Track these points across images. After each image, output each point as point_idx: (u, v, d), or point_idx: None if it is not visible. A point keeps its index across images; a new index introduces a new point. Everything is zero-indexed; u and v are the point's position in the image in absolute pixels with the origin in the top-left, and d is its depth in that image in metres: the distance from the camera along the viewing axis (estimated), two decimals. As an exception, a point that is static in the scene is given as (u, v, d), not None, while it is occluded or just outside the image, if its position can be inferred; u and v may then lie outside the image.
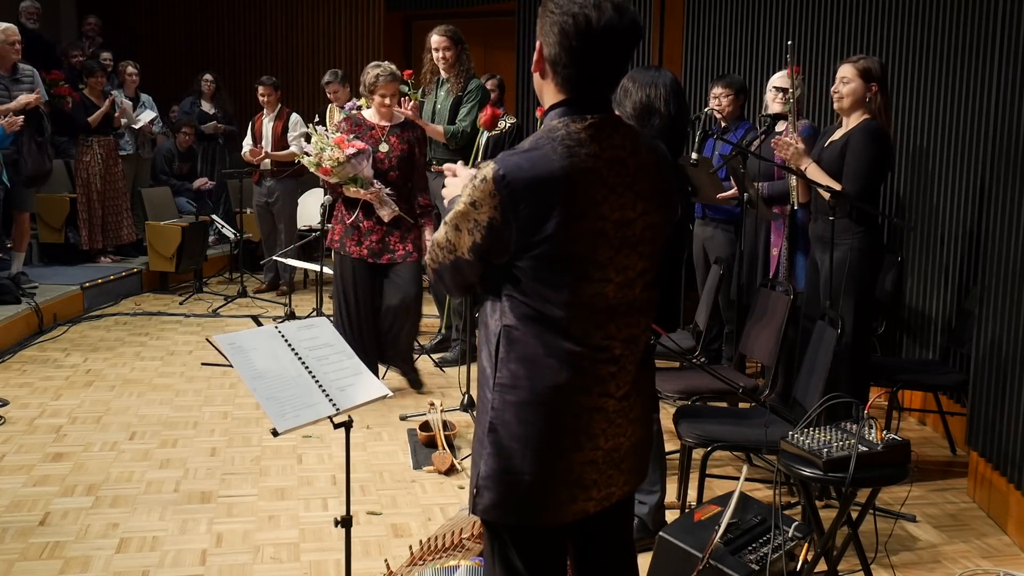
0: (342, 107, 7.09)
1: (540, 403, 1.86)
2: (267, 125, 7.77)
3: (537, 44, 1.89)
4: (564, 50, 1.82)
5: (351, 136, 4.99)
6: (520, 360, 1.86)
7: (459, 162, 2.22)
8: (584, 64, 1.83)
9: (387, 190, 4.96)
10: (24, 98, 6.41)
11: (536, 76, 1.92)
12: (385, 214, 4.95)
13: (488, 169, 1.80)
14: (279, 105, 7.80)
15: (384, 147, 4.99)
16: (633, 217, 1.87)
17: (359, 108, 6.43)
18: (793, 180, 4.35)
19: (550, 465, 1.88)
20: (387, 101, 5.01)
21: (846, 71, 4.02)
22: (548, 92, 1.90)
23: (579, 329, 1.85)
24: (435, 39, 5.72)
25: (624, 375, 1.92)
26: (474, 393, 4.82)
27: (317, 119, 7.54)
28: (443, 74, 5.79)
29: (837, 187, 3.86)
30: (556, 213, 1.78)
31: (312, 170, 5.08)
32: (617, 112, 3.41)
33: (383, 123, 5.07)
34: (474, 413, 4.81)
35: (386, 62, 5.12)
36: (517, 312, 1.86)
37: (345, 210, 5.07)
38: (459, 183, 2.06)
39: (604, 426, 1.91)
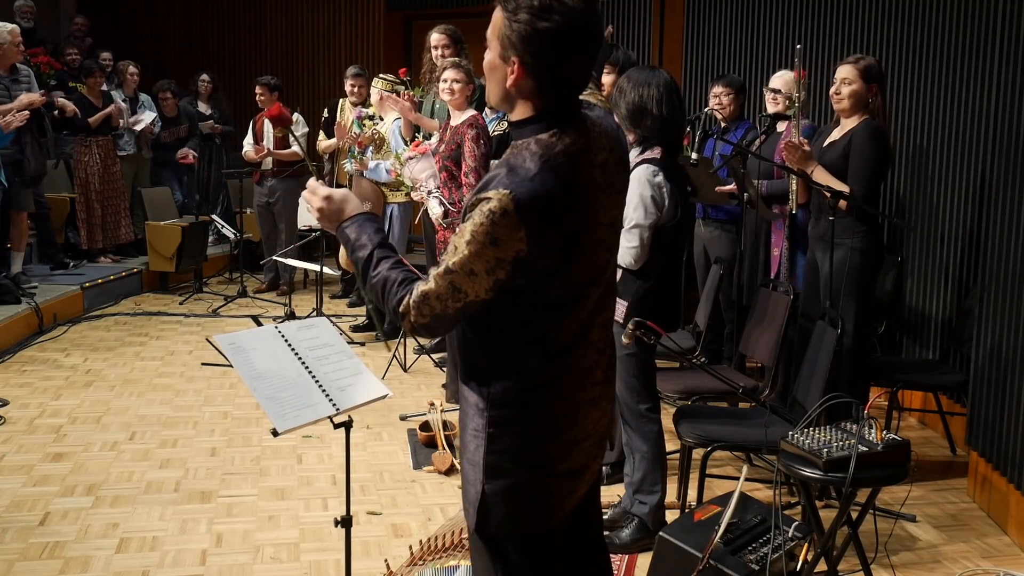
0: (355, 104, 7.05)
1: (539, 412, 1.84)
2: (268, 125, 7.77)
3: (513, 61, 1.75)
4: (542, 59, 1.73)
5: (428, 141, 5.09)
6: (515, 373, 1.83)
7: (311, 179, 2.09)
8: (566, 70, 1.76)
9: (435, 192, 4.96)
10: (27, 97, 6.40)
11: (509, 90, 1.79)
12: (432, 215, 5.00)
13: (505, 201, 1.66)
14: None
15: (443, 147, 5.00)
16: (616, 215, 1.90)
17: (371, 117, 6.48)
18: (794, 184, 4.34)
19: (556, 468, 1.88)
20: (447, 85, 4.95)
21: (847, 72, 3.98)
22: (523, 105, 1.80)
23: (572, 333, 1.85)
24: (435, 37, 5.74)
25: (603, 359, 1.94)
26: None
27: (327, 112, 7.57)
28: (442, 73, 5.79)
29: (845, 189, 3.85)
30: (572, 231, 1.76)
31: (404, 181, 5.22)
32: (614, 113, 3.43)
33: (452, 123, 5.05)
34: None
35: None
36: (510, 328, 1.81)
37: None
38: (336, 201, 1.95)
39: (595, 413, 1.93)
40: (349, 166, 6.44)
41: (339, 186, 6.95)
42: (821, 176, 3.95)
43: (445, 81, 4.98)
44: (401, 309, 1.80)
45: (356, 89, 7.07)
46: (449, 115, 5.06)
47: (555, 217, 1.71)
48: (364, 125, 6.43)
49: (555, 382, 1.85)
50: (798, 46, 4.27)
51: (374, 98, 6.25)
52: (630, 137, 3.37)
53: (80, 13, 9.97)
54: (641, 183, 3.25)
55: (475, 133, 4.82)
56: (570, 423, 1.88)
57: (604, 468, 2.11)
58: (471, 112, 4.95)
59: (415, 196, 5.20)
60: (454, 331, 1.89)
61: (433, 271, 1.77)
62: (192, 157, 8.85)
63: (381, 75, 6.35)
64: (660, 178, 3.28)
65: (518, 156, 1.75)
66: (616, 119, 3.30)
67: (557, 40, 1.72)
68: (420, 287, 1.78)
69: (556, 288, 1.79)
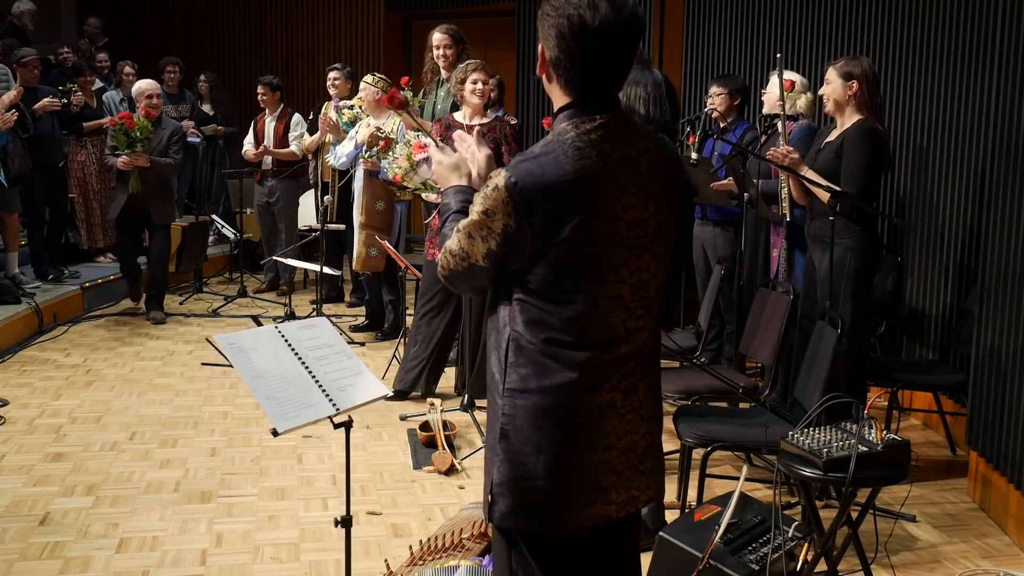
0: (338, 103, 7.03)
1: (550, 406, 1.85)
2: (269, 125, 7.76)
3: (539, 48, 1.89)
4: (563, 52, 1.82)
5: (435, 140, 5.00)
6: (529, 364, 1.86)
7: (431, 144, 2.23)
8: (585, 64, 1.82)
9: None
10: (7, 96, 6.38)
11: (544, 80, 1.93)
12: None
13: (500, 177, 1.79)
14: (280, 105, 7.79)
15: None
16: (646, 217, 1.87)
17: (351, 107, 6.46)
18: (784, 191, 4.36)
19: (564, 468, 1.87)
20: (477, 87, 4.84)
21: (828, 73, 4.09)
22: (555, 95, 1.90)
23: (589, 331, 1.84)
24: (436, 36, 5.72)
25: (626, 369, 1.90)
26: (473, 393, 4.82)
27: (312, 115, 7.54)
28: (443, 73, 5.78)
29: (835, 188, 3.86)
30: (572, 216, 1.78)
31: (408, 185, 5.11)
32: None
33: (472, 123, 4.92)
34: (473, 413, 4.82)
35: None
36: (526, 316, 1.85)
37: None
38: (444, 167, 2.08)
39: (615, 423, 1.89)
40: (332, 160, 6.46)
41: (323, 182, 6.99)
42: (812, 178, 3.96)
43: (474, 83, 4.93)
44: (437, 259, 1.96)
45: (338, 84, 7.07)
46: (445, 113, 5.06)
47: (544, 197, 1.77)
48: (343, 113, 6.48)
49: (564, 380, 1.84)
50: (779, 55, 4.28)
51: (364, 96, 6.21)
52: None
53: (81, 14, 9.96)
54: None
55: (511, 132, 4.91)
56: (581, 425, 1.86)
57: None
58: (496, 114, 4.99)
59: (433, 197, 5.06)
60: (488, 320, 1.96)
61: (456, 231, 1.91)
62: (195, 133, 8.73)
63: (373, 73, 6.32)
64: None
65: (540, 142, 1.86)
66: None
67: (570, 35, 1.80)
68: (447, 243, 1.92)
69: (556, 275, 1.81)
